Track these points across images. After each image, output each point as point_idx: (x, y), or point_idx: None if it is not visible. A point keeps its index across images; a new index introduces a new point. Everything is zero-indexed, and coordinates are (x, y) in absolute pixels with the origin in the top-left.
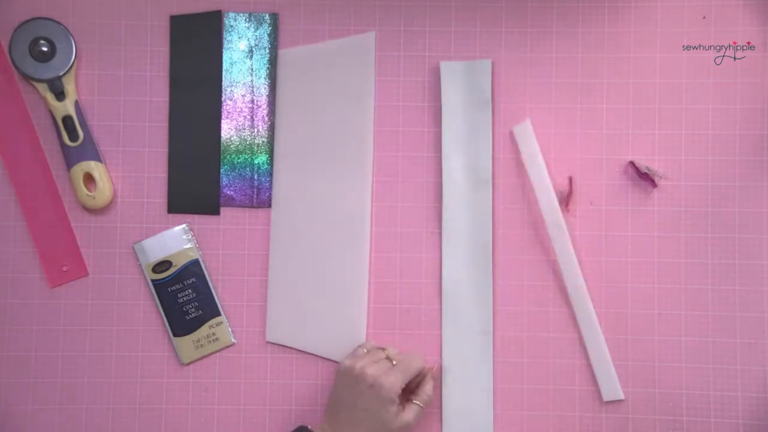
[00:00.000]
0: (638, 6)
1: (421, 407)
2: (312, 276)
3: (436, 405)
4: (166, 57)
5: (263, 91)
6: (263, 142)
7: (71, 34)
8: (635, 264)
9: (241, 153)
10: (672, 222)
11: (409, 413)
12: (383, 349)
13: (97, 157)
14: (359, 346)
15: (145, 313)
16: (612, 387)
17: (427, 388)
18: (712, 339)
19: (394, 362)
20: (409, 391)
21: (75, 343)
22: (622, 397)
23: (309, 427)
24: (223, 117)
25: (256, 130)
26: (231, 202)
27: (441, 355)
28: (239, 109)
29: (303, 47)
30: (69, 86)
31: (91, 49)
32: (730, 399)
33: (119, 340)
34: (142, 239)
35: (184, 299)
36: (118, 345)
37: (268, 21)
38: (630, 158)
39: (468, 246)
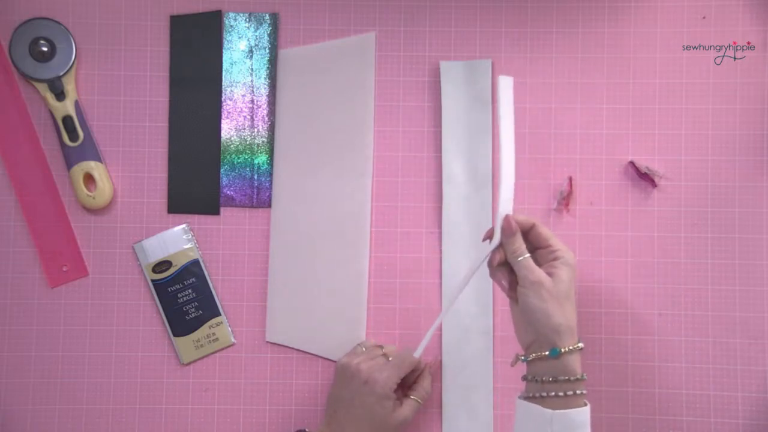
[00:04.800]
0: (638, 6)
1: (419, 402)
2: (312, 276)
3: (436, 404)
4: (166, 57)
5: (263, 91)
6: (263, 142)
7: (71, 34)
8: (635, 264)
9: (241, 153)
10: (672, 222)
11: (406, 409)
12: (381, 347)
13: (97, 157)
14: (358, 345)
15: (145, 313)
16: None
17: (425, 383)
18: (712, 339)
19: (390, 359)
20: (407, 387)
21: (75, 343)
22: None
23: (307, 430)
24: (223, 117)
25: (256, 130)
26: (231, 202)
27: (441, 355)
28: (239, 109)
29: (303, 47)
30: (69, 86)
31: (91, 49)
32: (730, 399)
33: (119, 340)
34: (142, 239)
35: (184, 299)
36: (118, 345)
37: (268, 21)
38: (630, 158)
39: (468, 246)
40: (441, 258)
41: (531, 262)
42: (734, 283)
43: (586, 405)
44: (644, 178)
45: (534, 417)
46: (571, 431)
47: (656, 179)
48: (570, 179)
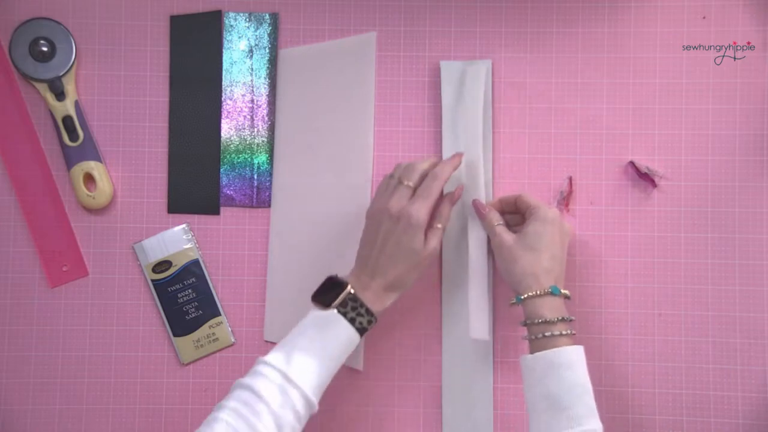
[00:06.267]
0: (638, 6)
1: (441, 229)
2: (311, 276)
3: (436, 404)
4: (166, 57)
5: (263, 91)
6: (263, 142)
7: (71, 34)
8: (635, 264)
9: (241, 153)
10: (672, 222)
11: (434, 239)
12: (409, 179)
13: (97, 157)
14: (387, 178)
15: (145, 313)
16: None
17: (445, 211)
18: (712, 339)
19: (414, 187)
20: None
21: (75, 343)
22: (488, 337)
23: (338, 275)
24: (223, 117)
25: (256, 130)
26: (231, 202)
27: (441, 355)
28: (239, 109)
29: (303, 47)
30: (69, 86)
31: (91, 49)
32: (730, 399)
33: (119, 340)
34: (142, 239)
35: (184, 299)
36: (118, 345)
37: (268, 21)
38: (630, 158)
39: (468, 246)
40: (441, 258)
41: (499, 228)
42: (734, 283)
43: (569, 346)
44: (644, 178)
45: (523, 365)
46: (553, 370)
47: (656, 179)
48: (570, 179)
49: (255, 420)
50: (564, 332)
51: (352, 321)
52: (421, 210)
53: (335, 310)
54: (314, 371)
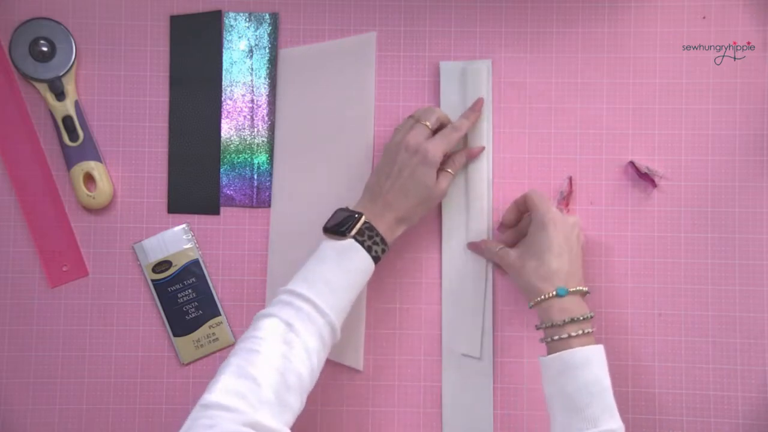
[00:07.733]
0: (638, 6)
1: (451, 174)
2: None
3: (436, 404)
4: (166, 57)
5: (263, 90)
6: (263, 141)
7: (71, 34)
8: (635, 264)
9: (241, 153)
10: (672, 222)
11: (444, 181)
12: (422, 121)
13: (97, 157)
14: (406, 119)
15: (145, 313)
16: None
17: (459, 158)
18: (712, 339)
19: (432, 129)
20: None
21: (75, 343)
22: (479, 355)
23: (349, 206)
24: (223, 117)
25: (256, 129)
26: (231, 202)
27: (441, 356)
28: (239, 109)
29: (303, 47)
30: (69, 86)
31: (91, 49)
32: (730, 399)
33: (119, 340)
34: (142, 239)
35: (184, 299)
36: (118, 345)
37: (268, 21)
38: (630, 158)
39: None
40: (441, 258)
41: (501, 251)
42: (734, 283)
43: (583, 347)
44: (644, 178)
45: (542, 365)
46: (568, 370)
47: (656, 179)
48: (570, 179)
49: (286, 348)
50: (573, 333)
51: (368, 249)
52: (437, 149)
53: (352, 240)
54: (337, 299)
